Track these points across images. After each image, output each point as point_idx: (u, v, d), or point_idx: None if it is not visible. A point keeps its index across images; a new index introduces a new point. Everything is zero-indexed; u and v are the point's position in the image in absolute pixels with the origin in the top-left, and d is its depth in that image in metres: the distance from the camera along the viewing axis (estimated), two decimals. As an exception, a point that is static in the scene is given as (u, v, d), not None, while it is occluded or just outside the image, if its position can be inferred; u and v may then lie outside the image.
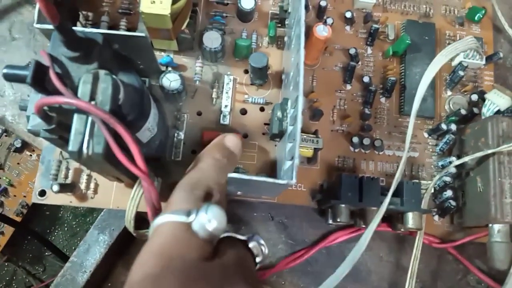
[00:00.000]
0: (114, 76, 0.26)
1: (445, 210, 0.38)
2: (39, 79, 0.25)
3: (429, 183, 0.38)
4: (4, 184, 0.73)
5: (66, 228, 0.86)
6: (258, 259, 0.28)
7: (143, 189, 0.27)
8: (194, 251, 0.24)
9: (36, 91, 0.26)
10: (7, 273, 0.80)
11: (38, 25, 0.31)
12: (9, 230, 0.73)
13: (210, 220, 0.24)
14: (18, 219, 0.73)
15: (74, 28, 0.26)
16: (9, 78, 0.26)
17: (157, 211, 0.28)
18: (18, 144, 0.70)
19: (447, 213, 0.39)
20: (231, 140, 0.33)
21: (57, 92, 0.25)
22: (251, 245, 0.27)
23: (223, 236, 0.26)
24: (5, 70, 0.25)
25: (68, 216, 0.86)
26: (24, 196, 0.74)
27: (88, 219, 0.86)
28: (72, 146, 0.25)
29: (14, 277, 0.80)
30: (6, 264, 0.79)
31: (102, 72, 0.26)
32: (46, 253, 0.82)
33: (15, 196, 0.74)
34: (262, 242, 0.28)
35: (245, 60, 0.40)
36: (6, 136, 0.71)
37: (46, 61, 0.25)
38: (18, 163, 0.73)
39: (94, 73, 0.26)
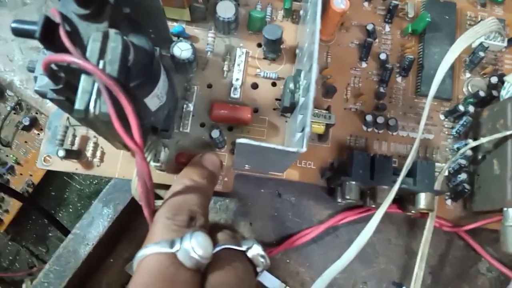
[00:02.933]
0: (124, 37, 0.26)
1: (458, 193, 0.37)
2: (48, 35, 0.24)
3: (444, 166, 0.37)
4: (10, 162, 0.73)
5: (71, 210, 0.86)
6: (258, 269, 0.27)
7: (136, 163, 0.26)
8: (182, 285, 0.23)
9: (45, 48, 0.25)
10: (10, 252, 0.80)
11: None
12: (13, 208, 0.73)
13: (195, 249, 0.23)
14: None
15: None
16: (17, 32, 0.25)
17: (148, 189, 0.27)
18: (26, 122, 0.70)
19: (460, 197, 0.37)
20: (208, 160, 0.33)
21: (66, 51, 0.24)
22: (250, 256, 0.27)
23: (221, 248, 0.26)
24: (13, 25, 0.25)
25: (73, 198, 0.86)
26: (31, 175, 0.73)
27: (93, 201, 0.86)
28: (79, 104, 0.24)
29: (17, 257, 0.80)
30: (10, 243, 0.79)
31: (112, 31, 0.25)
32: (50, 234, 0.82)
33: (21, 174, 0.73)
34: (262, 252, 0.27)
35: (258, 34, 0.39)
36: (14, 113, 0.71)
37: (56, 19, 0.25)
38: (26, 142, 0.73)
39: (104, 32, 0.25)
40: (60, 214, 0.85)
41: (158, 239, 0.25)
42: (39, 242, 0.82)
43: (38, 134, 0.72)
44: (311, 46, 0.30)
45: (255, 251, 0.27)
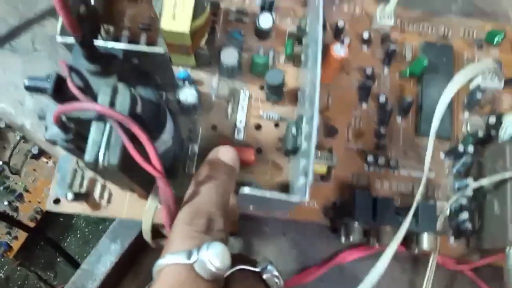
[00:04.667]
0: (132, 89, 0.27)
1: (461, 232, 0.37)
2: (60, 91, 0.26)
3: (445, 204, 0.37)
4: (19, 190, 0.74)
5: (78, 235, 0.87)
6: None
7: (159, 190, 0.27)
8: None
9: (57, 102, 0.27)
10: (19, 277, 0.81)
11: (61, 38, 0.32)
12: (22, 235, 0.75)
13: (211, 260, 0.23)
14: (32, 224, 0.74)
15: (95, 42, 0.27)
16: (30, 89, 0.26)
17: (172, 214, 0.28)
18: (35, 150, 0.71)
19: (463, 235, 0.38)
20: (225, 153, 0.32)
21: (76, 100, 0.25)
22: (265, 277, 0.27)
23: (236, 269, 0.26)
24: (26, 82, 0.26)
25: (81, 224, 0.87)
26: (39, 202, 0.75)
27: (100, 227, 0.87)
28: (89, 156, 0.26)
29: (26, 282, 0.81)
30: (19, 268, 0.80)
31: (120, 85, 0.27)
32: (58, 259, 0.83)
33: (30, 201, 0.75)
34: (276, 273, 0.27)
35: (261, 76, 0.41)
36: (24, 142, 0.73)
37: (64, 71, 0.26)
38: (34, 169, 0.75)
39: (113, 86, 0.27)
40: (68, 240, 0.86)
41: (176, 248, 0.25)
42: (47, 267, 0.82)
43: (47, 162, 0.74)
44: (312, 95, 0.31)
45: (270, 272, 0.27)
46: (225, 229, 0.28)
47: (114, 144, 0.26)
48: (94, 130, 0.26)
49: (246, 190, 0.27)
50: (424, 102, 0.41)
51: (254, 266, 0.28)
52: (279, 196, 0.27)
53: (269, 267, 0.27)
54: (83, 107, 0.25)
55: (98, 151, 0.26)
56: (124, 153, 0.26)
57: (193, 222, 0.27)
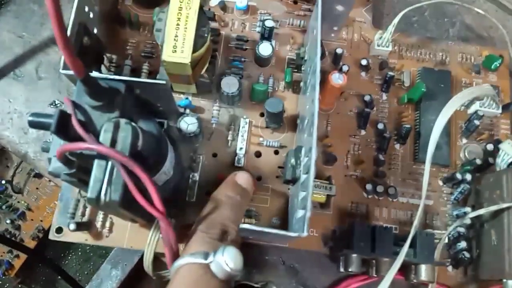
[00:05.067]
0: (134, 124, 0.28)
1: (459, 261, 0.37)
2: (63, 127, 0.26)
3: (443, 233, 0.38)
4: (22, 208, 0.74)
5: (79, 253, 0.87)
6: None
7: (161, 230, 0.28)
8: None
9: (59, 138, 0.27)
10: (20, 295, 0.81)
11: (64, 71, 0.32)
12: (24, 254, 0.75)
13: (227, 262, 0.25)
14: (34, 242, 0.74)
15: (97, 75, 0.28)
16: (33, 125, 0.27)
17: (174, 253, 0.29)
18: (37, 169, 0.72)
19: (461, 265, 0.38)
20: (242, 177, 0.35)
21: (79, 139, 0.26)
22: None
23: (239, 284, 0.27)
24: (30, 118, 0.27)
25: (82, 241, 0.87)
26: (41, 221, 0.75)
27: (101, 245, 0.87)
28: (91, 193, 0.26)
29: (27, 300, 0.81)
30: (20, 286, 0.80)
31: (122, 121, 0.27)
32: (59, 277, 0.83)
33: (32, 220, 0.75)
34: None
35: (261, 104, 0.41)
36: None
37: (68, 108, 0.27)
38: (37, 188, 0.75)
39: (115, 122, 0.27)
40: (69, 257, 0.86)
41: (193, 250, 0.28)
42: (48, 285, 0.83)
43: (49, 181, 0.74)
44: (310, 127, 0.31)
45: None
46: (238, 241, 0.31)
47: (116, 180, 0.26)
48: (96, 167, 0.26)
49: (245, 226, 0.27)
50: (422, 128, 0.41)
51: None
52: (278, 232, 0.27)
53: (269, 283, 0.29)
54: (88, 147, 0.25)
55: (100, 188, 0.26)
56: (126, 189, 0.26)
57: (209, 230, 0.30)
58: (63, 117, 0.26)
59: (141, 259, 0.42)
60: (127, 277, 0.43)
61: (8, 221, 0.74)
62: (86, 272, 0.84)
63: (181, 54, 0.34)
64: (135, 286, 0.46)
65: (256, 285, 0.29)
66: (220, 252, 0.26)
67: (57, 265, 0.77)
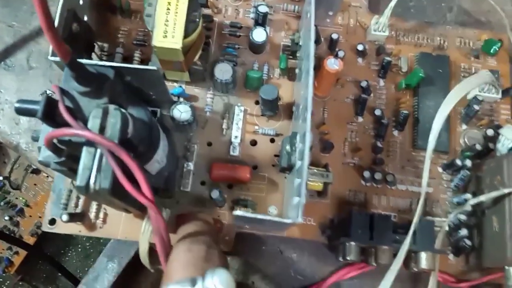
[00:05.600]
0: (123, 111, 0.27)
1: (460, 249, 0.37)
2: (50, 113, 0.25)
3: (444, 221, 0.37)
4: (20, 205, 0.74)
5: (79, 249, 0.87)
6: None
7: (150, 218, 0.27)
8: None
9: (47, 125, 0.26)
10: (21, 292, 0.81)
11: (53, 58, 0.32)
12: (23, 250, 0.74)
13: (217, 287, 0.23)
14: (33, 239, 0.74)
15: (85, 62, 0.27)
16: (20, 112, 0.26)
17: (165, 242, 0.27)
18: (35, 165, 0.71)
19: (462, 253, 0.37)
20: (201, 215, 0.35)
21: (67, 125, 0.25)
22: None
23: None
24: (16, 105, 0.26)
25: (81, 238, 0.87)
26: (40, 217, 0.75)
27: (101, 240, 0.86)
28: (80, 181, 0.25)
29: (28, 296, 0.81)
30: (20, 283, 0.79)
31: (111, 107, 0.26)
32: (59, 274, 0.83)
33: (30, 216, 0.75)
34: None
35: (256, 91, 0.40)
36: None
37: (56, 95, 0.26)
38: (35, 184, 0.75)
39: (104, 108, 0.26)
40: (69, 254, 0.86)
41: (178, 276, 0.25)
42: (48, 282, 0.82)
43: (47, 176, 0.74)
44: (305, 113, 0.30)
45: None
46: (223, 256, 0.28)
47: (106, 168, 0.25)
48: (85, 154, 0.26)
49: (238, 213, 0.26)
50: (421, 115, 0.41)
51: None
52: (272, 218, 0.26)
53: None
54: (73, 133, 0.24)
55: (89, 176, 0.25)
56: (116, 177, 0.25)
57: (192, 248, 0.27)
58: (50, 103, 0.26)
59: (138, 252, 0.41)
60: (124, 270, 0.42)
61: (6, 218, 0.73)
62: (86, 269, 0.84)
63: (172, 39, 0.34)
64: (132, 279, 0.46)
65: None
66: (210, 277, 0.23)
67: (56, 262, 0.77)
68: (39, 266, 0.83)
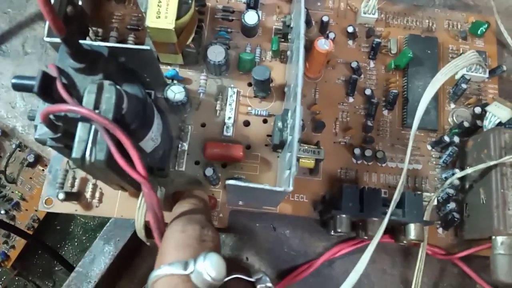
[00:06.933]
0: (118, 87, 0.27)
1: (449, 222, 0.38)
2: (46, 89, 0.26)
3: (432, 195, 0.38)
4: (16, 198, 0.74)
5: (76, 243, 0.87)
6: None
7: (144, 194, 0.28)
8: None
9: (43, 100, 0.27)
10: (17, 287, 0.81)
11: (48, 39, 0.32)
12: (20, 244, 0.74)
13: (208, 271, 0.23)
14: (30, 232, 0.74)
15: (80, 41, 0.28)
16: (17, 87, 0.27)
17: (158, 218, 0.28)
18: (31, 159, 0.71)
19: (451, 226, 0.38)
20: (197, 192, 0.35)
21: (63, 101, 0.26)
22: (258, 286, 0.28)
23: (231, 277, 0.26)
24: (13, 80, 0.27)
25: (78, 231, 0.87)
26: (36, 210, 0.75)
27: (97, 234, 0.87)
28: (76, 153, 0.26)
29: (24, 292, 0.81)
30: (17, 278, 0.79)
31: (106, 83, 0.27)
32: (56, 268, 0.83)
33: (26, 210, 0.75)
34: (270, 285, 0.28)
35: (248, 73, 0.41)
36: (19, 151, 0.73)
37: (53, 73, 0.27)
38: (31, 178, 0.74)
39: (98, 84, 0.27)
40: (65, 248, 0.86)
41: (171, 258, 0.25)
42: (45, 276, 0.82)
43: (43, 170, 0.74)
44: (295, 88, 0.31)
45: (264, 282, 0.28)
46: (217, 236, 0.29)
47: (101, 140, 0.26)
48: (81, 128, 0.26)
49: (231, 181, 0.27)
50: (410, 94, 0.42)
51: (249, 275, 0.28)
52: (264, 187, 0.27)
53: (264, 277, 0.28)
54: (69, 109, 0.25)
55: (85, 148, 0.26)
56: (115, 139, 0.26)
57: (186, 228, 0.27)
58: (46, 79, 0.26)
59: (134, 236, 0.42)
60: (121, 253, 0.43)
61: (2, 212, 0.73)
62: (83, 262, 0.84)
63: (165, 20, 0.34)
64: (129, 263, 0.46)
65: (250, 279, 0.28)
66: (201, 260, 0.24)
67: (55, 251, 0.77)
68: (35, 261, 0.83)
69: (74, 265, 0.83)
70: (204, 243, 0.27)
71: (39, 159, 0.72)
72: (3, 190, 0.74)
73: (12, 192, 0.74)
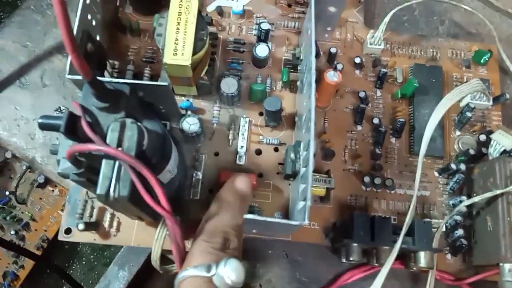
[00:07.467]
0: (139, 124, 0.29)
1: (457, 248, 0.39)
2: (71, 128, 0.27)
3: (440, 222, 0.39)
4: (26, 219, 0.75)
5: (84, 262, 0.88)
6: None
7: (168, 228, 0.29)
8: None
9: (68, 138, 0.28)
10: (26, 306, 0.81)
11: (70, 76, 0.34)
12: (29, 264, 0.75)
13: (229, 275, 0.26)
14: (38, 252, 0.75)
15: (103, 79, 0.29)
16: (44, 127, 0.28)
17: (181, 249, 0.30)
18: (41, 180, 0.73)
19: (459, 252, 0.39)
20: (241, 182, 0.36)
21: (88, 139, 0.27)
22: None
23: None
24: (40, 120, 0.28)
25: (86, 250, 0.88)
26: (45, 231, 0.76)
27: (105, 253, 0.87)
28: (100, 189, 0.27)
29: (33, 311, 0.81)
30: (26, 297, 0.80)
31: (128, 121, 0.28)
32: (64, 287, 0.83)
33: (36, 230, 0.76)
34: None
35: (260, 103, 0.43)
36: (30, 172, 0.74)
37: (78, 111, 0.28)
38: (41, 198, 0.76)
39: (121, 122, 0.28)
40: (73, 267, 0.87)
41: (196, 262, 0.28)
42: (53, 296, 0.83)
43: (53, 190, 0.75)
44: (308, 122, 0.32)
45: None
46: (239, 248, 0.31)
47: (124, 177, 0.27)
48: (105, 165, 0.28)
49: (248, 216, 0.28)
50: (416, 122, 0.43)
51: None
52: (280, 221, 0.28)
53: None
54: (97, 149, 0.26)
55: (109, 185, 0.27)
56: (134, 185, 0.27)
57: (210, 239, 0.30)
58: (72, 118, 0.27)
59: (147, 260, 0.43)
60: (134, 278, 0.44)
61: (12, 232, 0.74)
62: (90, 281, 0.84)
63: (181, 56, 0.36)
64: (142, 286, 0.47)
65: None
66: (222, 265, 0.26)
67: (63, 271, 0.78)
68: (44, 281, 0.83)
69: (82, 283, 0.84)
70: (226, 251, 0.30)
71: (48, 180, 0.74)
72: (13, 210, 0.75)
73: (22, 212, 0.75)
